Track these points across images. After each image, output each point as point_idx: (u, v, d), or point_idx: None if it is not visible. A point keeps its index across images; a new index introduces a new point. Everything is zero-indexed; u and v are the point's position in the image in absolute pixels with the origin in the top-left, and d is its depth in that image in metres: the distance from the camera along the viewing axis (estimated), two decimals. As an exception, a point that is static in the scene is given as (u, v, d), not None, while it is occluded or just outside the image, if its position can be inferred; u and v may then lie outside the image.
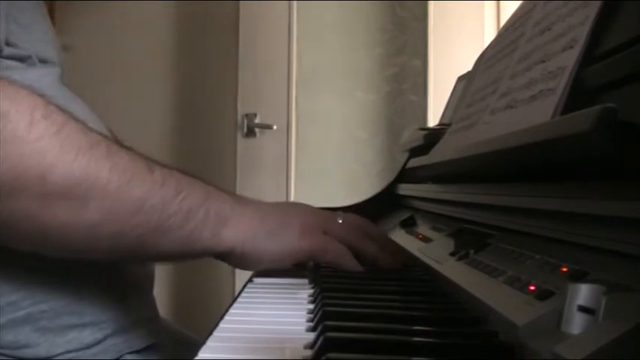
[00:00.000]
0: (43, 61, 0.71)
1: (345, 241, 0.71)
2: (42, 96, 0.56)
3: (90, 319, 0.66)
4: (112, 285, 0.69)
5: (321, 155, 2.30)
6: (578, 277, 0.41)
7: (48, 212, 0.54)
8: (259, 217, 0.67)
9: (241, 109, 2.27)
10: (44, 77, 0.70)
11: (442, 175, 0.94)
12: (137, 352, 0.72)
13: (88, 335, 0.65)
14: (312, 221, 0.71)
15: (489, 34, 2.05)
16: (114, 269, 0.70)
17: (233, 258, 0.66)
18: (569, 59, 0.56)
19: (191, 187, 0.62)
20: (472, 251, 0.62)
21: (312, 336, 0.47)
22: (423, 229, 0.92)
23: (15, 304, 0.61)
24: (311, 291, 0.65)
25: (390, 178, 1.35)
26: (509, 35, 0.82)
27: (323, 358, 0.39)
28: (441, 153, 0.88)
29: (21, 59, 0.68)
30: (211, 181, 0.67)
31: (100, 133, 0.60)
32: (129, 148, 0.61)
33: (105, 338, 0.67)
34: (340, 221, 0.74)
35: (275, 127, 2.26)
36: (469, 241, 0.67)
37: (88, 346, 0.65)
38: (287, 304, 0.60)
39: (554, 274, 0.44)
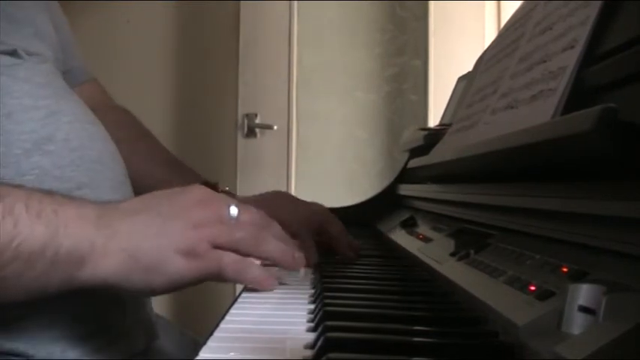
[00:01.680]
0: (31, 54, 0.71)
1: (241, 249, 0.61)
2: None
3: (86, 326, 0.66)
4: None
5: (322, 155, 2.30)
6: (579, 277, 0.41)
7: None
8: (130, 251, 0.56)
9: (242, 109, 2.27)
10: (36, 75, 0.70)
11: (442, 175, 0.94)
12: (137, 353, 0.72)
13: (84, 343, 0.65)
14: (193, 238, 0.58)
15: (490, 34, 2.05)
16: None
17: (109, 290, 0.58)
18: (570, 59, 0.56)
19: (32, 227, 0.52)
20: (472, 251, 0.62)
21: (312, 336, 0.47)
22: (423, 229, 0.92)
23: (6, 314, 0.61)
24: (311, 291, 0.65)
25: (390, 178, 1.35)
26: (509, 35, 0.82)
27: (323, 358, 0.39)
28: (441, 153, 0.88)
29: (8, 53, 0.68)
30: (74, 197, 0.59)
31: None
32: None
33: (103, 344, 0.67)
34: (233, 220, 0.62)
35: (275, 127, 2.26)
36: (469, 241, 0.67)
37: (87, 354, 0.65)
38: (287, 304, 0.60)
39: (554, 274, 0.44)
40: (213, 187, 0.95)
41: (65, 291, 0.56)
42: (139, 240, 0.57)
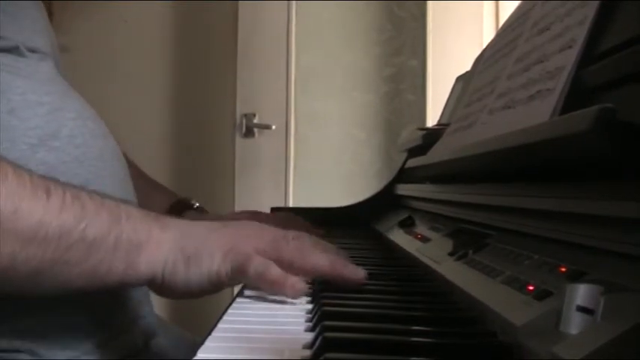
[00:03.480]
0: (32, 51, 0.71)
1: (284, 258, 0.62)
2: None
3: (86, 324, 0.66)
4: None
5: (320, 155, 2.30)
6: (577, 277, 0.41)
7: None
8: (179, 241, 0.59)
9: (240, 109, 2.27)
10: (38, 72, 0.70)
11: (440, 175, 0.94)
12: (136, 352, 0.72)
13: (84, 341, 0.65)
14: (238, 242, 0.61)
15: (488, 34, 2.05)
16: None
17: (155, 287, 0.60)
18: (568, 59, 0.56)
19: (97, 213, 0.55)
20: (470, 251, 0.62)
21: (310, 336, 0.47)
22: (421, 229, 0.92)
23: (9, 311, 0.61)
24: (309, 291, 0.65)
25: (388, 178, 1.35)
26: (507, 35, 0.82)
27: (321, 358, 0.39)
28: (439, 153, 0.89)
29: (8, 50, 0.68)
30: (131, 200, 0.61)
31: None
32: (27, 171, 0.53)
33: (102, 343, 0.67)
34: (288, 242, 0.64)
35: (274, 127, 2.26)
36: (467, 241, 0.67)
37: (86, 352, 0.65)
38: (286, 304, 0.60)
39: (552, 274, 0.45)
40: (187, 203, 0.98)
41: (124, 284, 0.58)
42: (189, 234, 0.61)
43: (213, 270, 0.59)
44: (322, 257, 0.64)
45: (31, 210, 0.50)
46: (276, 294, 0.61)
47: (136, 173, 1.00)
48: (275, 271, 0.60)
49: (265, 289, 0.62)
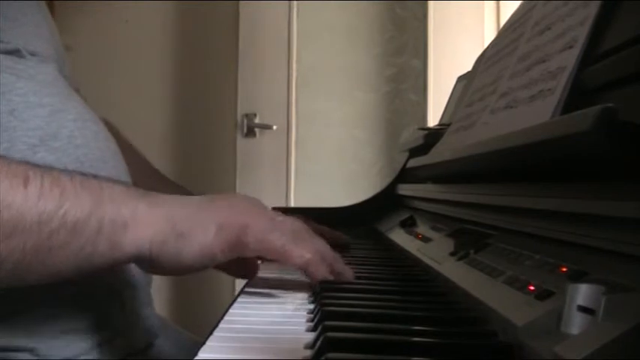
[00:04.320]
0: (33, 54, 0.71)
1: (271, 239, 0.61)
2: None
3: (86, 323, 0.66)
4: (106, 286, 0.69)
5: (321, 155, 2.30)
6: (578, 277, 0.41)
7: None
8: (170, 218, 0.58)
9: (241, 109, 2.27)
10: (39, 74, 0.70)
11: (442, 175, 0.94)
12: (137, 352, 0.72)
13: (84, 340, 0.65)
14: (231, 217, 0.60)
15: (489, 34, 2.05)
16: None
17: (143, 264, 0.59)
18: (569, 59, 0.56)
19: (78, 196, 0.54)
20: (472, 251, 0.62)
21: (312, 336, 0.47)
22: (422, 229, 0.92)
23: (9, 309, 0.61)
24: (311, 291, 0.65)
25: (389, 177, 1.35)
26: (509, 35, 0.82)
27: (323, 358, 0.39)
28: (440, 153, 0.88)
29: (9, 52, 0.68)
30: (119, 180, 0.59)
31: None
32: (5, 159, 0.53)
33: (103, 342, 0.67)
34: (279, 219, 0.64)
35: (275, 127, 2.26)
36: (469, 241, 0.67)
37: (87, 351, 0.65)
38: (287, 304, 0.60)
39: (553, 274, 0.44)
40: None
41: (111, 264, 0.56)
42: (179, 208, 0.59)
43: (206, 244, 0.58)
44: (312, 248, 0.63)
45: (8, 201, 0.50)
46: (282, 262, 0.61)
47: (142, 167, 1.00)
48: (280, 240, 0.60)
49: (269, 257, 0.62)
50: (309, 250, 0.62)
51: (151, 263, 0.58)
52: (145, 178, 0.96)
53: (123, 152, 0.90)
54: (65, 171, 0.56)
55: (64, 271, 0.55)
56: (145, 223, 0.57)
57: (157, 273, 0.61)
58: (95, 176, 0.58)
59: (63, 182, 0.54)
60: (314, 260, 0.62)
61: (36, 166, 0.54)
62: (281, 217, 0.64)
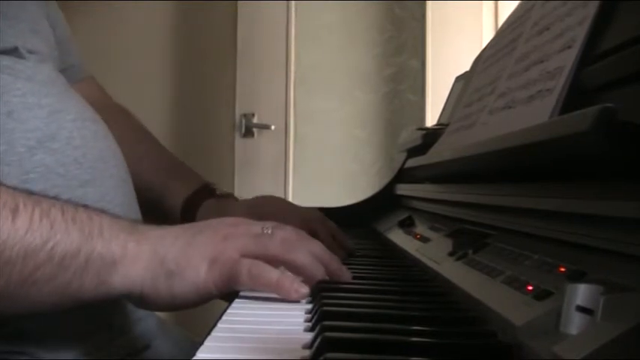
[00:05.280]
0: (31, 52, 0.71)
1: (269, 254, 0.60)
2: None
3: (86, 325, 0.66)
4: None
5: (320, 155, 2.30)
6: (577, 277, 0.41)
7: None
8: (159, 255, 0.57)
9: (239, 110, 2.27)
10: (38, 74, 0.70)
11: (440, 175, 0.94)
12: (135, 353, 0.72)
13: (83, 342, 0.65)
14: (221, 247, 0.59)
15: (487, 34, 2.05)
16: None
17: (134, 300, 0.58)
18: (568, 59, 0.56)
19: (67, 230, 0.53)
20: (470, 251, 0.62)
21: (310, 336, 0.47)
22: (421, 229, 0.92)
23: (9, 315, 0.60)
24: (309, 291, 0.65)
25: (388, 177, 1.35)
26: (507, 35, 0.82)
27: (321, 358, 0.39)
28: (439, 153, 0.88)
29: (7, 52, 0.68)
30: (107, 211, 0.59)
31: None
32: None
33: (102, 344, 0.67)
34: (267, 235, 0.62)
35: (273, 127, 2.26)
36: (467, 241, 0.67)
37: (86, 354, 0.65)
38: (285, 304, 0.60)
39: (552, 274, 0.44)
40: (213, 189, 0.96)
41: (99, 299, 0.56)
42: (168, 245, 0.58)
43: (199, 282, 0.57)
44: (306, 254, 0.62)
45: None
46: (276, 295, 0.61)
47: (158, 159, 0.98)
48: (272, 274, 0.59)
49: (264, 291, 0.61)
50: (302, 258, 0.62)
51: (142, 300, 0.57)
52: (161, 170, 0.96)
53: (141, 141, 0.89)
54: (57, 202, 0.55)
55: (49, 304, 0.54)
56: (134, 260, 0.56)
57: (148, 309, 0.60)
58: (86, 206, 0.57)
59: (53, 214, 0.53)
60: (308, 266, 0.62)
61: (28, 195, 0.54)
62: (269, 228, 0.62)
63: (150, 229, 0.60)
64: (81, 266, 0.53)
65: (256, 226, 0.63)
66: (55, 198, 0.56)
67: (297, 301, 0.60)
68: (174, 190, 0.94)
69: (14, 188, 0.54)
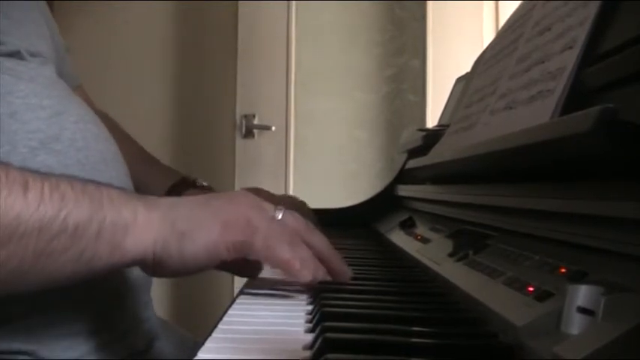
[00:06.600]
0: (34, 55, 0.71)
1: (278, 250, 0.61)
2: None
3: (88, 325, 0.66)
4: (105, 288, 0.69)
5: (320, 156, 2.30)
6: (577, 277, 0.41)
7: None
8: (170, 219, 0.58)
9: (240, 110, 2.27)
10: (40, 76, 0.70)
11: (441, 175, 0.94)
12: (137, 353, 0.72)
13: (85, 343, 0.65)
14: (234, 212, 0.60)
15: (488, 35, 2.05)
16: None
17: (147, 267, 0.58)
18: (569, 60, 0.56)
19: (78, 201, 0.54)
20: (471, 252, 0.62)
21: (310, 337, 0.47)
22: (421, 229, 0.92)
23: (9, 312, 0.61)
24: (309, 292, 0.65)
25: (389, 178, 1.35)
26: (508, 36, 0.82)
27: (322, 358, 0.39)
28: (439, 154, 0.88)
29: (10, 54, 0.68)
30: (113, 184, 0.60)
31: None
32: (3, 166, 0.52)
33: (103, 345, 0.67)
34: (279, 217, 0.63)
35: (273, 128, 2.26)
36: (468, 242, 0.67)
37: (87, 354, 0.65)
38: (286, 305, 0.60)
39: (553, 274, 0.44)
40: (192, 182, 0.97)
41: (113, 267, 0.56)
42: (179, 208, 0.59)
43: (209, 242, 0.57)
44: (305, 250, 0.63)
45: (7, 208, 0.50)
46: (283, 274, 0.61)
47: (138, 155, 1.00)
48: (286, 252, 0.59)
49: (272, 265, 0.61)
50: (305, 253, 0.62)
51: (154, 266, 0.57)
52: (140, 165, 0.97)
53: (122, 143, 0.90)
54: (64, 176, 0.56)
55: (64, 276, 0.54)
56: (146, 225, 0.56)
57: (161, 276, 0.60)
58: (94, 181, 0.58)
59: (62, 187, 0.53)
60: (309, 265, 0.62)
61: (35, 172, 0.54)
62: (280, 215, 0.64)
63: (160, 198, 0.61)
64: (94, 234, 0.54)
65: (267, 205, 0.64)
66: (62, 175, 0.57)
67: (297, 299, 0.60)
68: (155, 182, 0.95)
69: (21, 167, 0.54)
